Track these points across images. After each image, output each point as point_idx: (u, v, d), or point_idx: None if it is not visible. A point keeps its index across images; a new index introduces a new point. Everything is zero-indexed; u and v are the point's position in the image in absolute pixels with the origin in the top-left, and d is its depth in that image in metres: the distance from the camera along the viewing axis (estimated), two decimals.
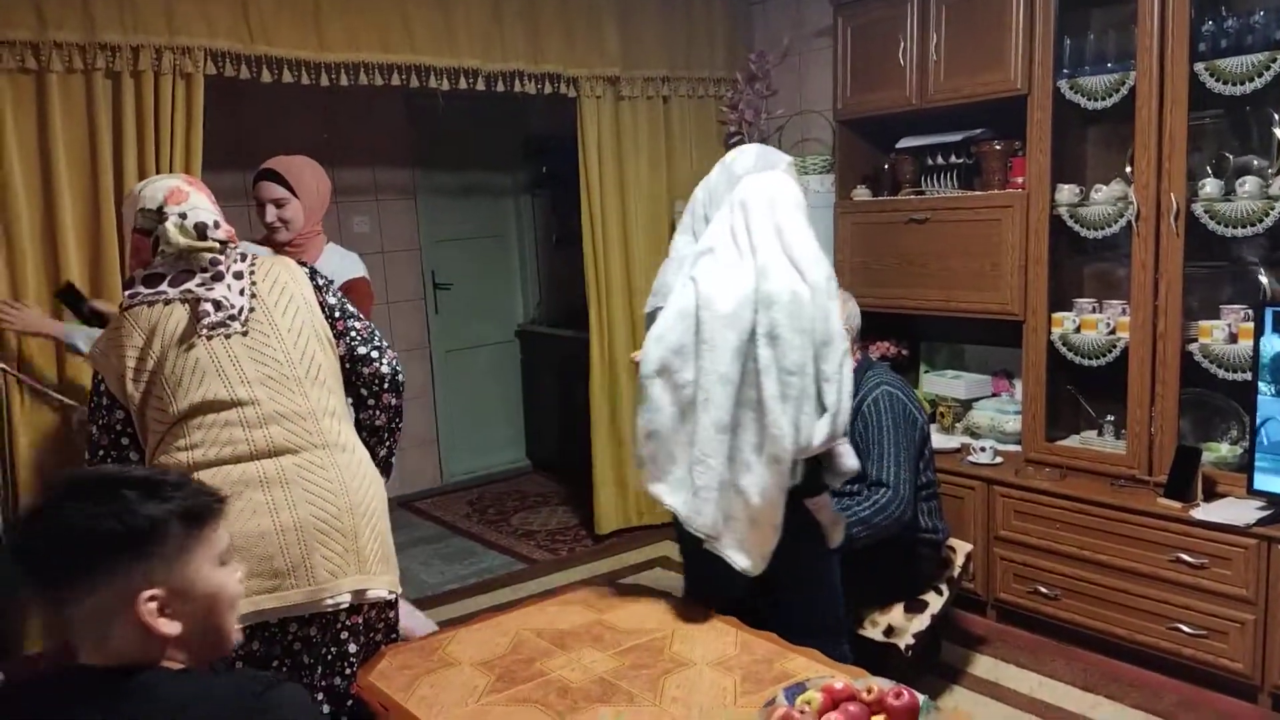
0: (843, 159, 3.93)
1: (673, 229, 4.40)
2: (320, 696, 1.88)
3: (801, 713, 1.51)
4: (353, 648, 1.92)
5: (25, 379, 2.94)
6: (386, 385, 2.05)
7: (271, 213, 2.67)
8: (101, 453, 1.90)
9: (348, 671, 1.91)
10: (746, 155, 2.33)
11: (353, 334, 2.01)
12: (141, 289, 1.87)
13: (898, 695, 1.54)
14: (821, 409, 2.05)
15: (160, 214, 1.87)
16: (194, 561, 1.15)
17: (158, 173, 3.07)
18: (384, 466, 2.11)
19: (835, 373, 2.05)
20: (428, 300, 5.40)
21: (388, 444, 2.11)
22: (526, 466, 5.85)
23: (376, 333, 2.07)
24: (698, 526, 2.09)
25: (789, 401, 2.01)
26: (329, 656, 1.89)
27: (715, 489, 2.06)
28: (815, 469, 2.19)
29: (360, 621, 1.92)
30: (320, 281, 2.01)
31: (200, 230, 1.87)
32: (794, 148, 4.39)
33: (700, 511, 2.07)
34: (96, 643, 1.10)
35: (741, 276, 2.07)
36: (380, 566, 1.91)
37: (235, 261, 1.90)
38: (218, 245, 1.87)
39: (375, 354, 2.03)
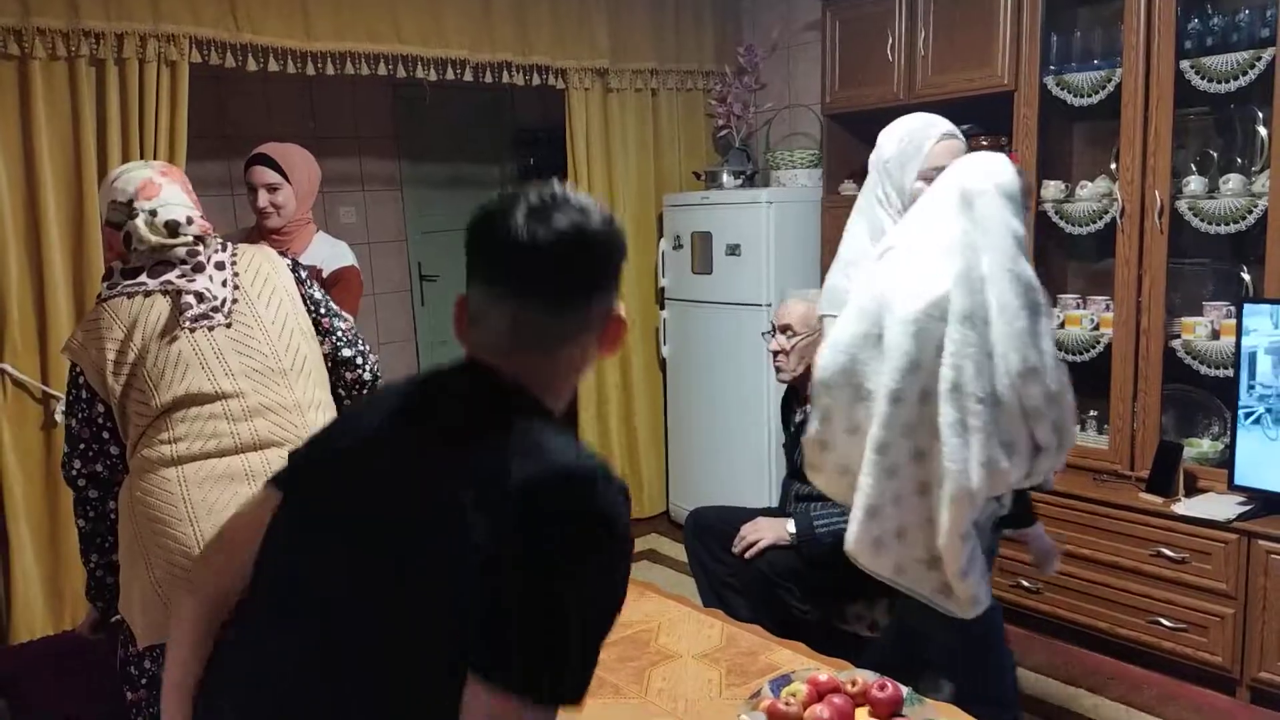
0: (830, 153, 3.94)
1: (661, 222, 4.43)
2: None
3: (787, 704, 1.52)
4: None
5: (8, 370, 2.92)
6: (366, 391, 2.03)
7: (264, 197, 2.65)
8: (83, 446, 1.85)
9: None
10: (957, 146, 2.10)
11: (338, 334, 1.98)
12: (121, 280, 1.83)
13: (881, 687, 1.55)
14: (1030, 448, 1.79)
15: (130, 208, 1.82)
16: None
17: (142, 160, 3.05)
18: None
19: (1044, 405, 1.77)
20: (414, 292, 5.38)
21: None
22: None
23: (359, 335, 2.04)
24: (869, 566, 1.86)
25: (972, 434, 1.74)
26: None
27: (888, 519, 1.84)
28: (1022, 496, 1.96)
29: None
30: (303, 274, 1.98)
31: (171, 229, 1.83)
32: (782, 141, 4.40)
33: (872, 545, 1.84)
34: (532, 354, 1.07)
35: (935, 279, 1.80)
36: None
37: (216, 251, 1.87)
38: (190, 240, 1.84)
39: (360, 359, 2.01)
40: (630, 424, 4.49)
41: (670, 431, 4.52)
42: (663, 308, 4.44)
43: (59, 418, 2.98)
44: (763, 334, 2.81)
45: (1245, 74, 2.72)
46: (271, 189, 2.65)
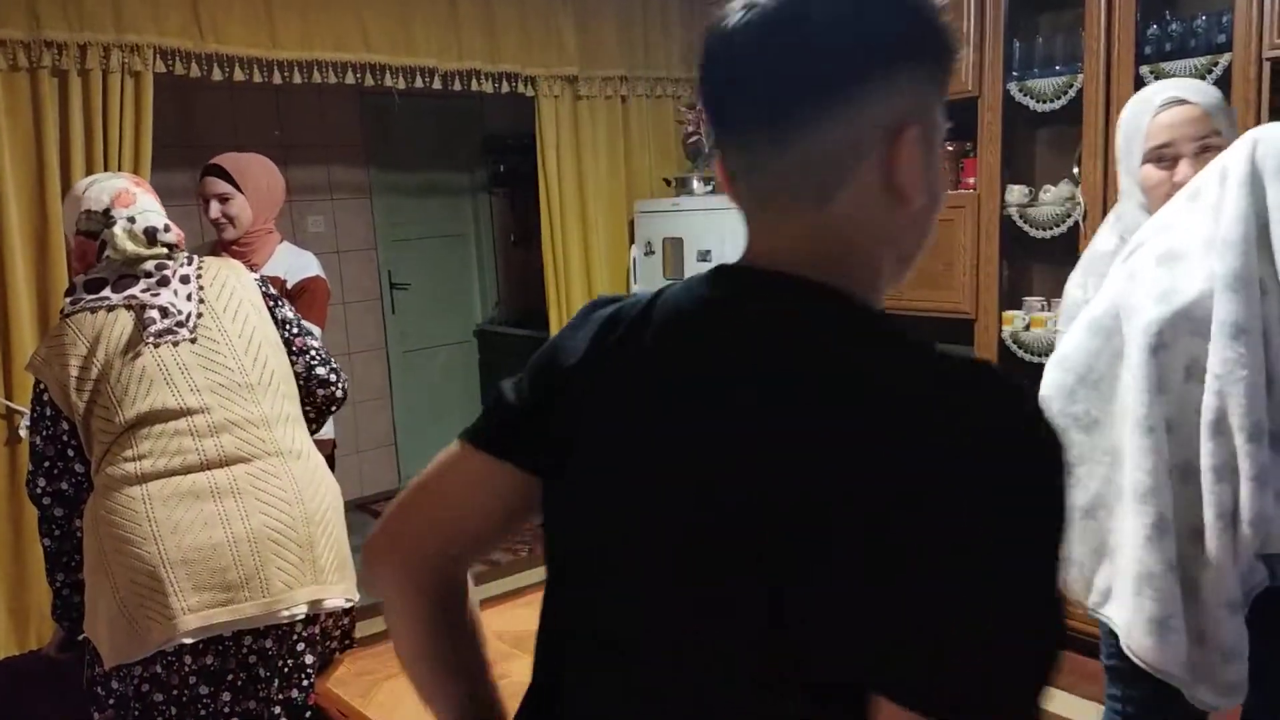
0: None
1: (633, 229, 4.44)
2: (277, 710, 1.84)
3: None
4: (309, 659, 1.89)
5: None
6: (335, 408, 2.05)
7: (215, 209, 2.60)
8: (47, 464, 1.82)
9: (304, 684, 1.88)
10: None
11: (312, 353, 1.98)
12: (84, 295, 1.81)
13: None
14: None
15: (107, 217, 1.82)
16: (940, 109, 0.77)
17: (106, 170, 3.02)
18: None
19: None
20: (384, 300, 5.35)
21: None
22: None
23: (329, 353, 2.06)
24: (1152, 664, 1.49)
25: (1243, 481, 1.40)
26: (285, 669, 1.85)
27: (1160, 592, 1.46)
28: None
29: (317, 632, 1.90)
30: (272, 290, 1.97)
31: (150, 235, 1.83)
32: None
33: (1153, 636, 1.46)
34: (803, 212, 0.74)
35: (1188, 279, 1.44)
36: (336, 575, 1.88)
37: (182, 265, 1.85)
38: (166, 250, 1.83)
39: (333, 377, 2.01)
40: None
41: None
42: None
43: (22, 433, 2.94)
44: None
45: (1203, 78, 2.76)
46: (223, 199, 2.61)
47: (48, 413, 1.81)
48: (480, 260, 5.85)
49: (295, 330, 1.96)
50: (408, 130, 5.19)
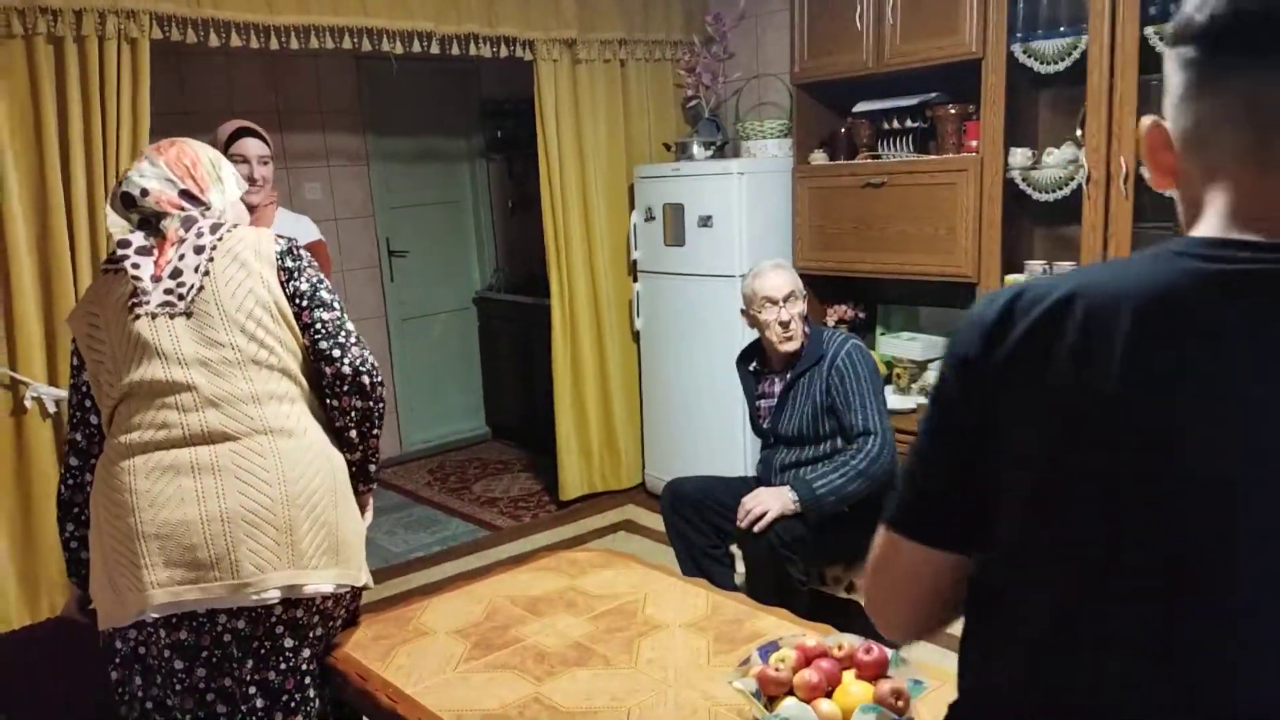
0: (800, 123, 3.95)
1: (632, 194, 4.42)
2: (253, 690, 1.81)
3: (777, 670, 1.55)
4: (289, 642, 1.84)
5: None
6: (346, 387, 1.86)
7: (259, 170, 2.67)
8: (71, 410, 1.89)
9: (283, 666, 1.83)
10: None
11: (317, 326, 1.86)
12: (117, 250, 1.82)
13: (868, 650, 1.59)
14: None
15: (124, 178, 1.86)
16: None
17: (104, 140, 3.00)
18: (360, 475, 1.97)
19: None
20: (383, 268, 5.34)
21: (360, 449, 1.94)
22: (486, 434, 5.85)
23: (345, 327, 1.89)
24: None
25: None
26: (262, 651, 1.81)
27: None
28: None
29: (299, 616, 1.84)
30: (290, 264, 1.88)
31: (127, 201, 1.82)
32: (751, 111, 4.40)
33: None
34: None
35: None
36: (323, 559, 1.81)
37: (198, 235, 1.82)
38: (134, 222, 1.83)
39: (337, 351, 1.85)
40: (605, 397, 4.51)
41: (645, 403, 4.54)
42: (635, 280, 4.45)
43: (28, 403, 2.95)
44: (756, 311, 2.82)
45: None
46: (263, 161, 2.68)
47: (74, 362, 1.88)
48: (478, 227, 5.82)
49: (304, 304, 1.86)
50: (404, 96, 5.14)
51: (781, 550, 2.57)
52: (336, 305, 1.90)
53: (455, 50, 3.85)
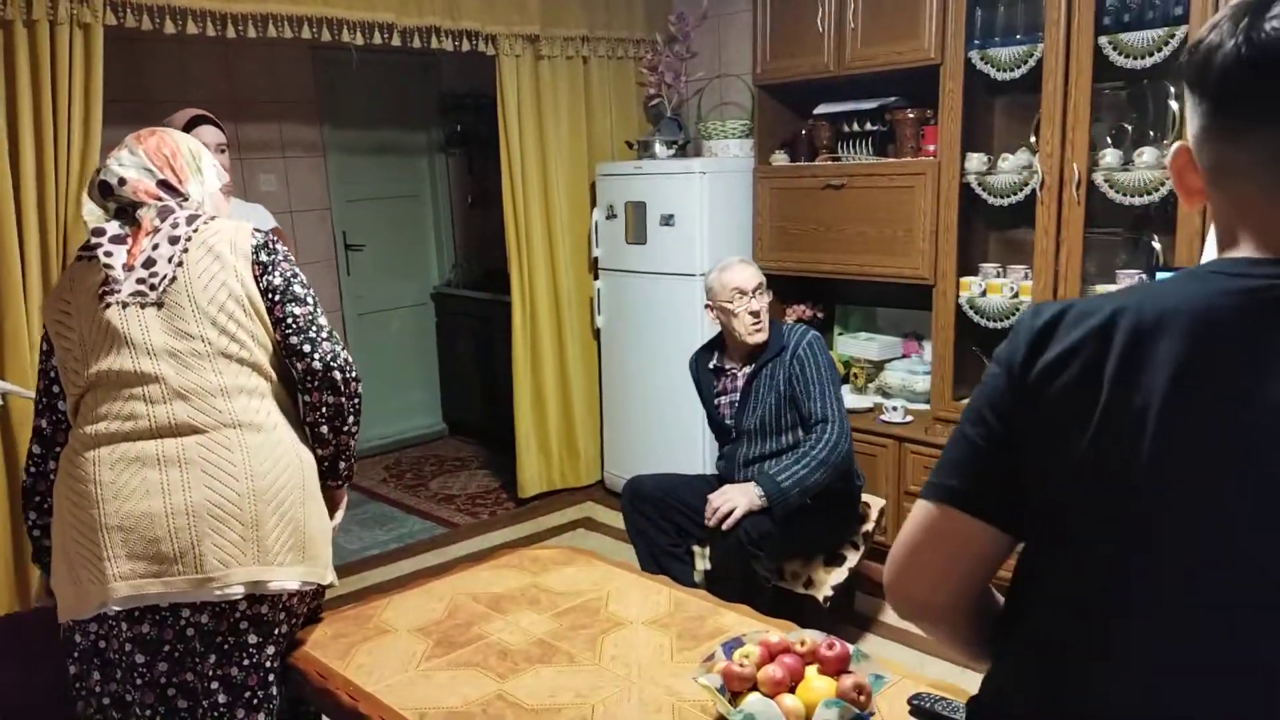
0: (761, 124, 3.98)
1: (594, 191, 4.42)
2: (215, 685, 1.79)
3: (741, 665, 1.57)
4: (254, 638, 1.82)
5: None
6: (316, 382, 1.84)
7: (216, 158, 2.59)
8: (37, 396, 1.86)
9: (246, 662, 1.81)
10: None
11: (288, 321, 1.84)
12: (91, 239, 1.80)
13: (830, 646, 1.61)
14: None
15: (106, 168, 1.83)
16: None
17: (55, 128, 2.92)
18: (330, 472, 1.94)
19: None
20: (339, 261, 5.27)
21: (331, 445, 1.91)
22: (443, 430, 5.81)
23: (317, 322, 1.87)
24: None
25: None
26: (225, 646, 1.79)
27: None
28: None
29: (264, 612, 1.82)
30: (265, 258, 1.85)
31: (104, 189, 1.81)
32: (713, 111, 4.43)
33: None
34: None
35: None
36: (289, 556, 1.80)
37: (173, 226, 1.79)
38: (109, 211, 1.81)
39: (307, 347, 1.83)
40: (565, 394, 4.50)
41: (605, 401, 4.54)
42: (596, 278, 4.45)
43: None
44: (726, 302, 2.84)
45: (1160, 50, 2.83)
46: (220, 149, 2.62)
47: (44, 347, 1.85)
48: (437, 221, 5.77)
49: (277, 298, 1.84)
50: (363, 87, 5.08)
51: (749, 547, 2.60)
52: (309, 300, 1.88)
53: (417, 43, 3.82)
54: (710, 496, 2.68)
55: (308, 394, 1.87)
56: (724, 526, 2.61)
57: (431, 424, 5.80)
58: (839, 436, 2.69)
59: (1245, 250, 0.84)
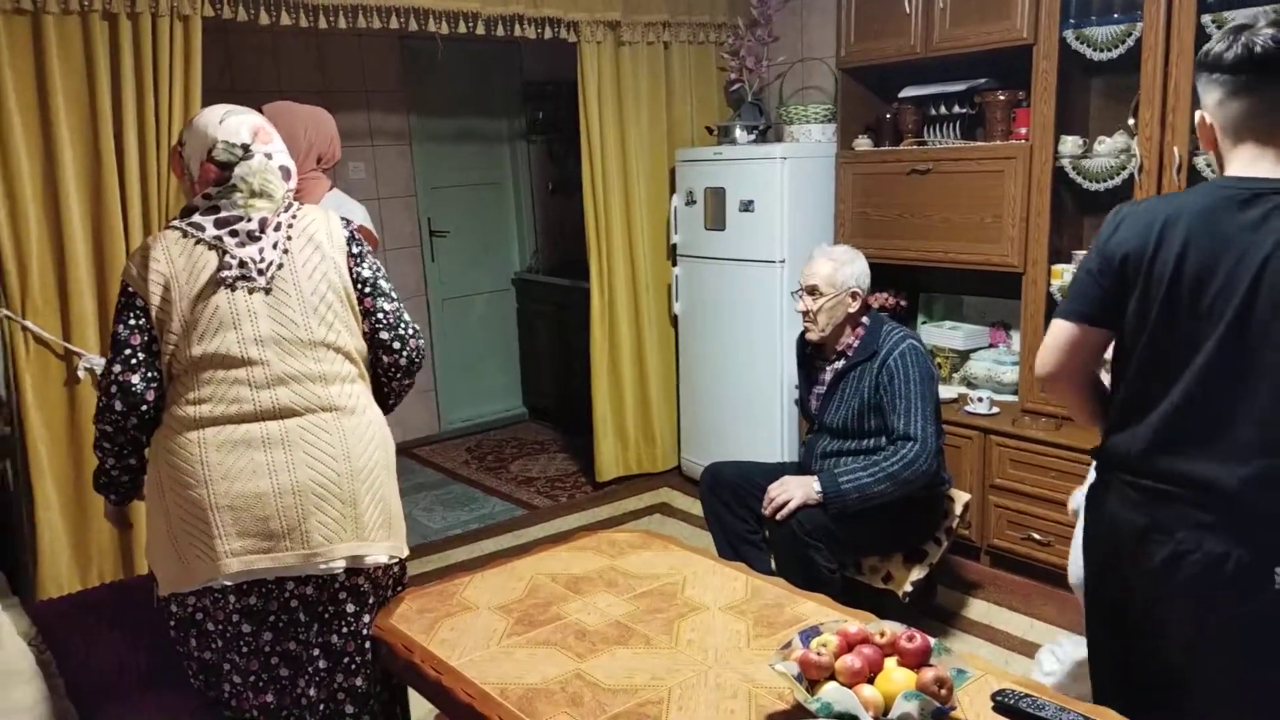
0: (844, 108, 3.92)
1: (673, 178, 4.41)
2: (316, 652, 1.91)
3: (818, 654, 1.56)
4: (351, 608, 1.93)
5: (30, 327, 2.94)
6: (401, 374, 1.99)
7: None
8: (129, 352, 1.78)
9: (344, 630, 1.93)
10: None
11: (379, 316, 1.93)
12: (192, 215, 1.82)
13: (910, 638, 1.59)
14: None
15: (247, 150, 1.82)
16: None
17: (157, 117, 3.04)
18: None
19: None
20: (424, 248, 5.38)
21: (390, 406, 2.08)
22: (523, 414, 5.89)
23: (404, 318, 1.98)
24: None
25: None
26: (326, 615, 1.91)
27: None
28: None
29: (361, 583, 1.94)
30: (356, 250, 1.93)
31: (285, 173, 1.87)
32: (794, 95, 4.37)
33: None
34: None
35: None
36: (380, 532, 1.90)
37: (279, 213, 1.86)
38: (279, 200, 1.84)
39: (398, 344, 1.95)
40: (642, 380, 4.52)
41: (682, 388, 4.55)
42: (675, 264, 4.44)
43: (81, 373, 3.01)
44: (792, 293, 2.82)
45: (1273, 26, 2.69)
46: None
47: (138, 303, 1.80)
48: (518, 208, 5.84)
49: (368, 291, 1.92)
50: (447, 76, 5.17)
51: (805, 538, 2.58)
52: (394, 294, 1.97)
53: (500, 31, 3.86)
54: (770, 486, 2.68)
55: (389, 382, 2.01)
56: (778, 517, 2.61)
57: (512, 407, 5.89)
58: (919, 457, 2.60)
59: (1236, 169, 1.53)
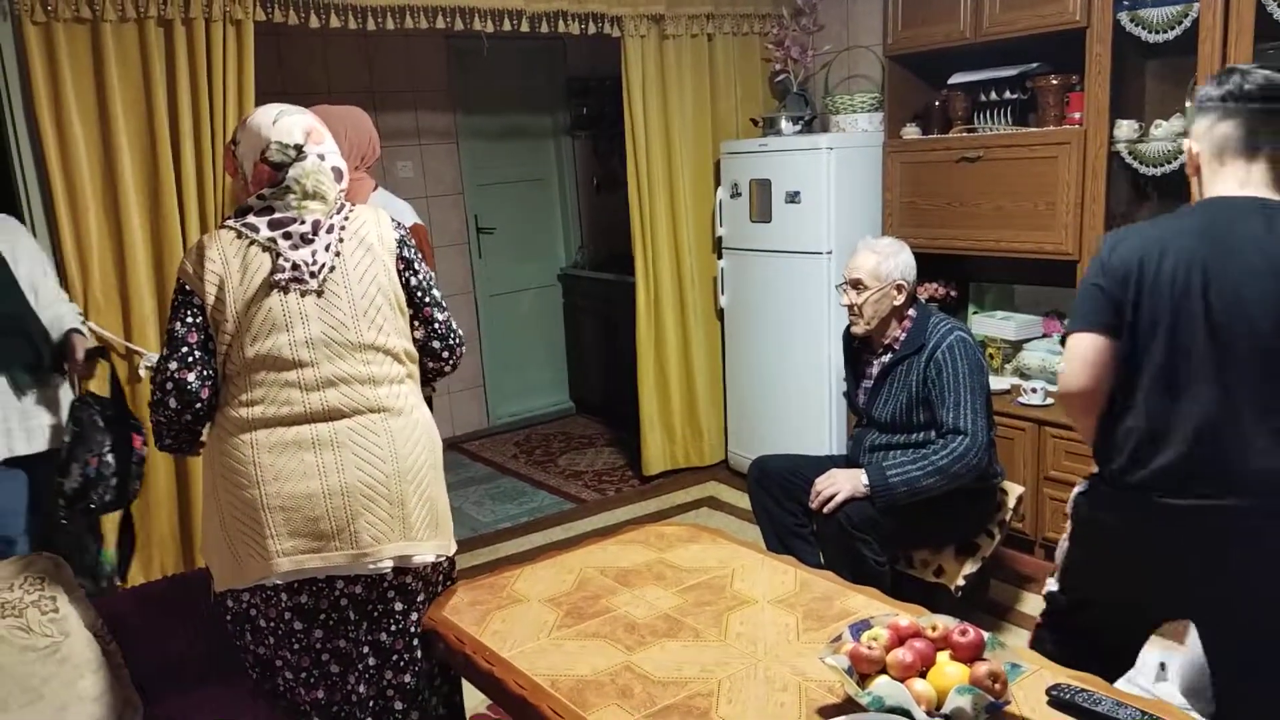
0: (892, 96, 3.87)
1: (718, 170, 4.39)
2: (366, 650, 1.94)
3: (869, 648, 1.54)
4: (399, 606, 1.96)
5: (92, 327, 3.02)
6: (442, 377, 2.09)
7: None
8: (185, 350, 1.80)
9: (393, 628, 1.96)
10: None
11: (434, 326, 1.98)
12: (246, 216, 1.84)
13: (963, 632, 1.57)
14: None
15: (299, 151, 1.83)
16: None
17: (212, 120, 3.11)
18: None
19: None
20: (471, 245, 5.43)
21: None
22: (570, 409, 5.92)
23: (452, 327, 2.02)
24: None
25: None
26: (375, 613, 1.94)
27: None
28: None
29: (409, 581, 1.96)
30: (408, 255, 1.94)
31: (338, 174, 1.87)
32: (841, 85, 4.33)
33: None
34: None
35: None
36: (427, 532, 1.91)
37: (331, 215, 1.87)
38: (331, 201, 1.85)
39: (447, 353, 2.01)
40: (688, 374, 4.52)
41: (728, 381, 4.53)
42: (720, 257, 4.43)
43: (142, 372, 3.09)
44: (836, 286, 2.80)
45: None
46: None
47: (194, 301, 1.81)
48: (564, 204, 5.87)
49: (424, 299, 1.95)
50: (492, 74, 5.20)
51: (852, 531, 2.56)
52: (444, 303, 2.01)
53: (544, 28, 3.88)
54: (817, 479, 2.66)
55: (427, 382, 2.05)
56: (825, 510, 2.59)
57: (559, 402, 5.92)
58: (969, 451, 2.56)
59: (1223, 189, 1.72)
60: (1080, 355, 1.77)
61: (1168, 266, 1.67)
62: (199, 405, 1.81)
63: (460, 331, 2.04)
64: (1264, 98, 1.67)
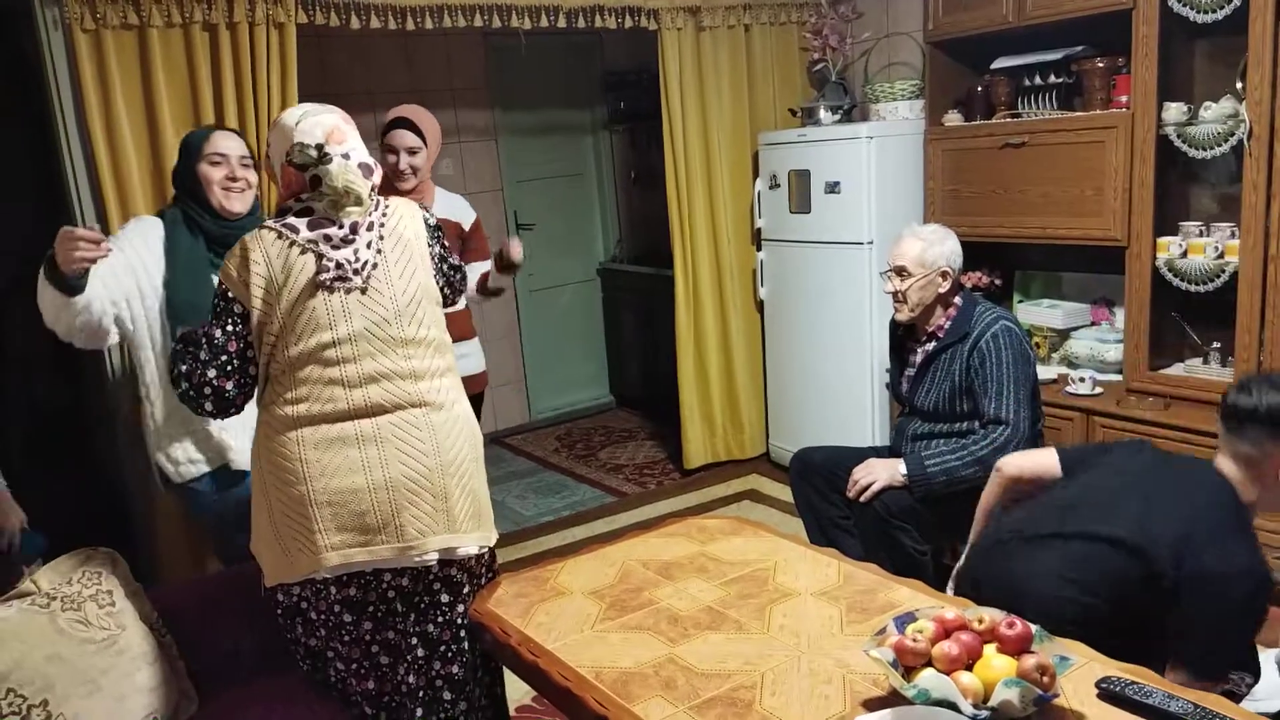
0: (933, 83, 3.82)
1: (756, 161, 4.37)
2: (414, 641, 1.97)
3: (914, 641, 1.53)
4: (445, 597, 1.99)
5: None
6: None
7: (405, 160, 2.79)
8: (225, 359, 1.82)
9: (440, 619, 1.99)
10: None
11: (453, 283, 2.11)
12: (287, 218, 1.85)
13: (1010, 625, 1.55)
14: None
15: (321, 152, 1.83)
16: None
17: (258, 122, 3.15)
18: None
19: None
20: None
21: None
22: (610, 402, 5.94)
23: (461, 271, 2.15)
24: None
25: None
26: (421, 605, 1.97)
27: None
28: None
29: (454, 573, 2.00)
30: (440, 249, 2.01)
31: (366, 170, 1.88)
32: (880, 72, 4.28)
33: None
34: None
35: None
36: (470, 524, 1.93)
37: (369, 213, 1.89)
38: (363, 199, 1.86)
39: (450, 294, 2.11)
40: (728, 366, 4.51)
41: (769, 373, 4.51)
42: (759, 249, 4.41)
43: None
44: (881, 273, 2.78)
45: None
46: (412, 152, 2.79)
47: (236, 309, 1.83)
48: (602, 198, 5.88)
49: (460, 276, 2.11)
50: (529, 70, 5.22)
51: (890, 519, 2.55)
52: (461, 266, 2.14)
53: (581, 23, 3.88)
54: (854, 469, 2.65)
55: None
56: (862, 499, 2.59)
57: (599, 395, 5.94)
58: (1010, 442, 2.53)
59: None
60: None
61: None
62: (233, 410, 1.90)
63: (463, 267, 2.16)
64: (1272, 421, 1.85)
